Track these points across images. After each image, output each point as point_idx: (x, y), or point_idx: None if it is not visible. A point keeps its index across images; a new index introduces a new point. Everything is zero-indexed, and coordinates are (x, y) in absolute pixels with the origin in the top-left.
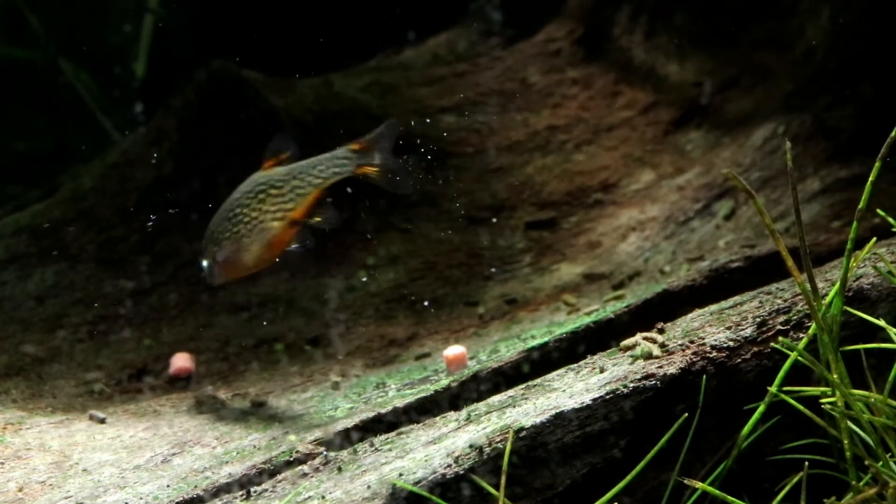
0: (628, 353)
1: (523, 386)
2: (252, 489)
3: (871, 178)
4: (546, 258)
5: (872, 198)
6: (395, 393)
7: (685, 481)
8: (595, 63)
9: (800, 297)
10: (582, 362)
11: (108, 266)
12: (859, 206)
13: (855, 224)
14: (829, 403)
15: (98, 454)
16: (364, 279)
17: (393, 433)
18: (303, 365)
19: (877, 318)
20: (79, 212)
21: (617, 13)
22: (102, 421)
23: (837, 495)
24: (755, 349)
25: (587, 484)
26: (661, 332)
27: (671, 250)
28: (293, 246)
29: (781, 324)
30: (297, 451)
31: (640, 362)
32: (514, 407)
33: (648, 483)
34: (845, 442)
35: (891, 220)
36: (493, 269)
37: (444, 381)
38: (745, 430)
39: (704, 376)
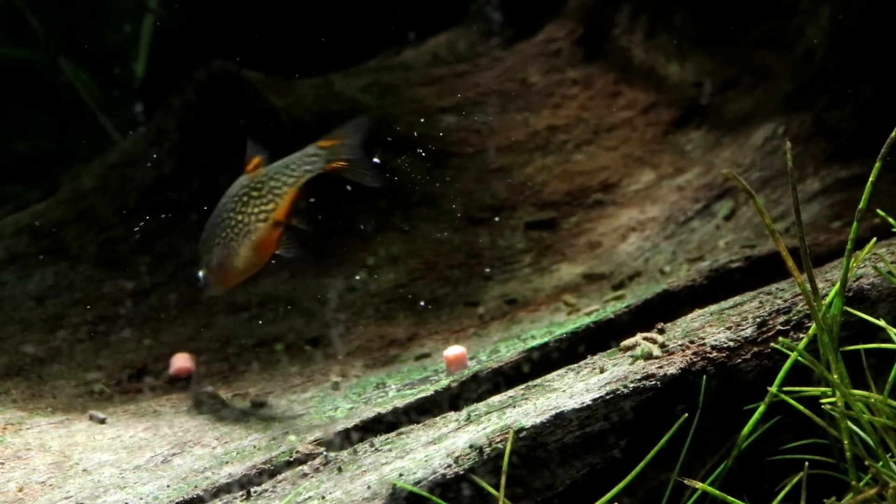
0: (628, 353)
1: (523, 386)
2: (252, 489)
3: (871, 178)
4: (546, 258)
5: (872, 198)
6: (395, 393)
7: (685, 481)
8: (595, 63)
9: (800, 297)
10: (582, 362)
11: (108, 266)
12: (859, 207)
13: (855, 224)
14: (829, 403)
15: (98, 454)
16: (364, 279)
17: (393, 433)
18: (303, 365)
19: (877, 318)
20: (79, 212)
21: (617, 13)
22: (102, 421)
23: (837, 495)
24: (755, 349)
25: (587, 484)
26: (661, 332)
27: (671, 250)
28: (283, 252)
29: (781, 324)
30: (297, 452)
31: (641, 362)
32: (514, 407)
33: (648, 483)
34: (845, 442)
35: (891, 220)
36: (492, 270)
37: (444, 382)
38: (745, 430)
39: (704, 376)
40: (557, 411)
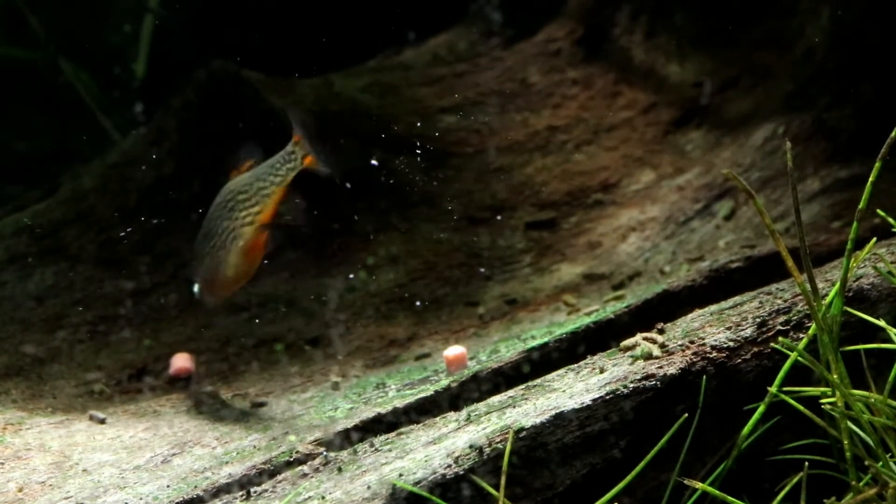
0: (628, 353)
1: (523, 386)
2: (252, 489)
3: (871, 178)
4: (546, 258)
5: (872, 198)
6: (395, 393)
7: (685, 481)
8: (595, 63)
9: (800, 297)
10: (582, 363)
11: (108, 266)
12: (859, 207)
13: (855, 224)
14: (829, 403)
15: (98, 454)
16: (364, 279)
17: (393, 433)
18: (303, 365)
19: (877, 318)
20: (79, 212)
21: (617, 13)
22: (102, 421)
23: (837, 495)
24: (755, 349)
25: (587, 484)
26: (661, 332)
27: (671, 250)
28: (289, 219)
29: (781, 324)
30: (297, 452)
31: (640, 363)
32: (514, 407)
33: (648, 483)
34: (845, 442)
35: (891, 220)
36: (492, 270)
37: (444, 382)
38: (745, 430)
39: (704, 376)
40: (557, 411)
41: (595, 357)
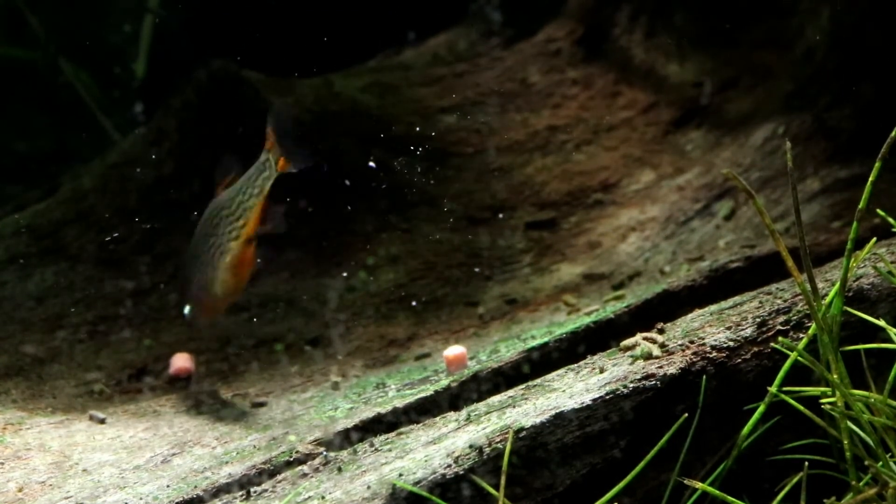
0: (628, 353)
1: (523, 386)
2: (252, 489)
3: (871, 178)
4: (546, 258)
5: (872, 198)
6: (395, 393)
7: (685, 481)
8: (595, 63)
9: (800, 297)
10: (582, 362)
11: (108, 266)
12: (859, 206)
13: (855, 224)
14: (829, 403)
15: (98, 454)
16: (364, 279)
17: (393, 433)
18: (303, 365)
19: (877, 318)
20: (79, 212)
21: (617, 13)
22: (102, 421)
23: (837, 495)
24: (755, 349)
25: (587, 484)
26: (661, 332)
27: (671, 250)
28: (272, 228)
29: (781, 324)
30: (296, 452)
31: (640, 362)
32: (514, 407)
33: (648, 483)
34: (845, 442)
35: (891, 220)
36: (492, 269)
37: (444, 382)
38: (745, 430)
39: (704, 376)
40: (557, 411)
41: (595, 357)
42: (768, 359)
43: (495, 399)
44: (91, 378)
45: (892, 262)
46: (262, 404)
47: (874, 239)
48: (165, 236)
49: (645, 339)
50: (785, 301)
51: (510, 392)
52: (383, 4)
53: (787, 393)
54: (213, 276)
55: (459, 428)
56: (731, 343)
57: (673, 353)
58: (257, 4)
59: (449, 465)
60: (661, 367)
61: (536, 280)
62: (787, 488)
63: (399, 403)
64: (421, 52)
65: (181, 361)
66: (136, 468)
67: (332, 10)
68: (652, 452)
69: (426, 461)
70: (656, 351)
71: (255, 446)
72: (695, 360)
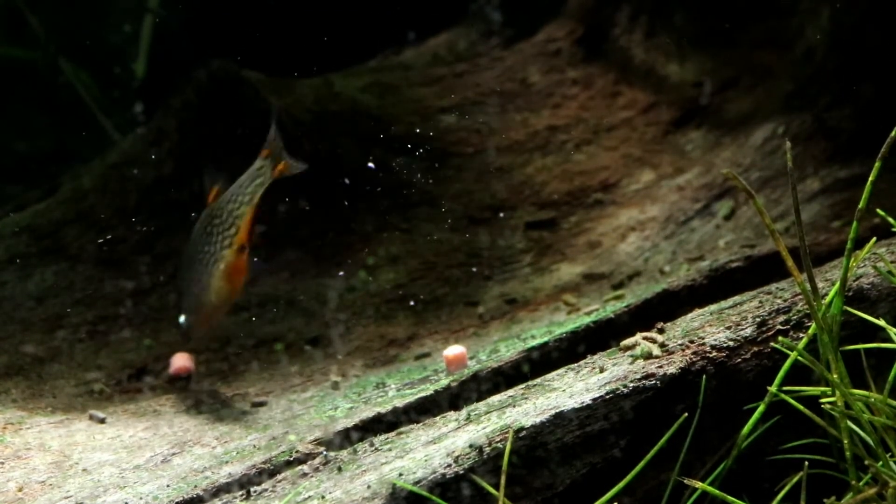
0: (628, 352)
1: (523, 386)
2: (252, 489)
3: (871, 178)
4: (546, 258)
5: (872, 198)
6: (395, 393)
7: (685, 481)
8: (595, 63)
9: (800, 296)
10: (582, 362)
11: (108, 266)
12: (859, 206)
13: (855, 224)
14: (829, 403)
15: (98, 454)
16: (364, 279)
17: (393, 433)
18: (303, 365)
19: (877, 318)
20: (79, 212)
21: (617, 13)
22: (102, 421)
23: (837, 495)
24: (755, 349)
25: (587, 484)
26: (661, 331)
27: (671, 250)
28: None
29: (781, 324)
30: (296, 451)
31: (640, 362)
32: (514, 407)
33: (648, 483)
34: (845, 442)
35: (891, 220)
36: (492, 269)
37: (444, 381)
38: (745, 429)
39: (704, 376)
40: (557, 411)
41: (595, 356)
42: (768, 358)
43: (495, 399)
44: (91, 378)
45: (892, 262)
46: (261, 404)
47: (874, 239)
48: (165, 236)
49: (645, 338)
50: (785, 301)
51: (510, 392)
52: (383, 4)
53: (787, 393)
54: (208, 285)
55: (459, 427)
56: (731, 343)
57: (673, 353)
58: (257, 4)
59: (449, 465)
60: (661, 367)
61: (536, 280)
62: (787, 488)
63: (399, 403)
64: (421, 52)
65: (181, 361)
66: (136, 468)
67: (332, 10)
68: (652, 452)
69: (426, 461)
70: (656, 350)
71: (254, 446)
72: (695, 359)
